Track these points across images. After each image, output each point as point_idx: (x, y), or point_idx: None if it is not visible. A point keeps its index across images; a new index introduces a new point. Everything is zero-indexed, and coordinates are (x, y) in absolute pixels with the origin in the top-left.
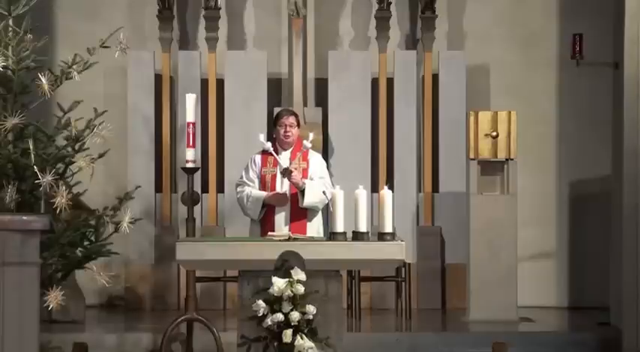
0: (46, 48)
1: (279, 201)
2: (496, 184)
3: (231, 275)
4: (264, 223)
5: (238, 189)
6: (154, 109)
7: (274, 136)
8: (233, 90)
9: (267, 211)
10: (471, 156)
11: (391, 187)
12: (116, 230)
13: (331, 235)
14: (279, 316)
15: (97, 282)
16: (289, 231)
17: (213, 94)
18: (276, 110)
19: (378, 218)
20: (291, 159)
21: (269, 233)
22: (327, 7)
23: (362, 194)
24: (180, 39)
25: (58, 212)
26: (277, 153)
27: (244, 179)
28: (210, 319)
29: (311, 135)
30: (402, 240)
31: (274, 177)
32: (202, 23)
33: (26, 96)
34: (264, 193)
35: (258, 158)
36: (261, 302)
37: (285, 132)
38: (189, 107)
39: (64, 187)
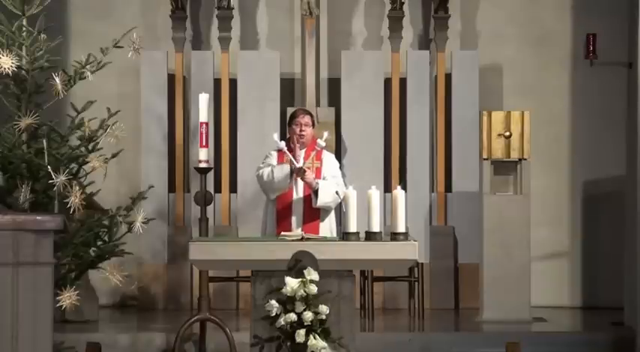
0: (60, 48)
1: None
2: (509, 184)
3: (244, 275)
4: (280, 222)
5: (260, 166)
6: (167, 109)
7: (288, 136)
8: (246, 90)
9: (284, 211)
10: (484, 156)
11: (404, 187)
12: (129, 230)
13: (344, 235)
14: (292, 316)
15: (111, 282)
16: (302, 231)
17: (226, 94)
18: (290, 110)
19: (390, 218)
20: (305, 159)
21: (282, 233)
22: (339, 6)
23: (375, 194)
24: (193, 39)
25: (71, 212)
26: (292, 153)
27: (265, 162)
28: (223, 319)
29: (325, 135)
30: (414, 240)
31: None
32: (215, 23)
33: (40, 96)
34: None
35: (274, 154)
36: (274, 302)
37: (300, 131)
38: (202, 107)
39: (77, 187)
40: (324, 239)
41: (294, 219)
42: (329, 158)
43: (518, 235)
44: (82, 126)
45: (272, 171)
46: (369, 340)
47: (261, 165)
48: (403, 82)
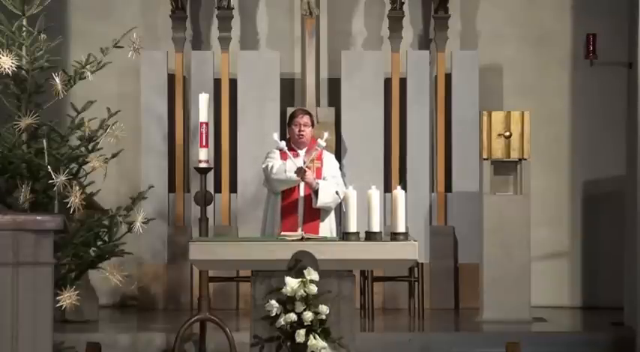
0: (60, 48)
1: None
2: (509, 184)
3: (244, 275)
4: (285, 220)
5: (268, 159)
6: (167, 109)
7: (288, 136)
8: (246, 90)
9: (290, 208)
10: (484, 156)
11: (404, 187)
12: (129, 230)
13: (344, 235)
14: (292, 316)
15: (111, 282)
16: (302, 231)
17: (226, 94)
18: (290, 110)
19: (390, 218)
20: (305, 159)
21: (282, 233)
22: (339, 6)
23: (375, 194)
24: (193, 39)
25: (71, 212)
26: (292, 153)
27: (271, 157)
28: (223, 319)
29: (325, 135)
30: (414, 240)
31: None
32: (215, 23)
33: (40, 96)
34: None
35: (277, 152)
36: (274, 302)
37: (300, 131)
38: (202, 107)
39: (77, 187)
40: (324, 239)
41: (299, 216)
42: (329, 158)
43: (518, 235)
44: (82, 126)
45: (285, 165)
46: (369, 340)
47: (269, 159)
48: (403, 82)
